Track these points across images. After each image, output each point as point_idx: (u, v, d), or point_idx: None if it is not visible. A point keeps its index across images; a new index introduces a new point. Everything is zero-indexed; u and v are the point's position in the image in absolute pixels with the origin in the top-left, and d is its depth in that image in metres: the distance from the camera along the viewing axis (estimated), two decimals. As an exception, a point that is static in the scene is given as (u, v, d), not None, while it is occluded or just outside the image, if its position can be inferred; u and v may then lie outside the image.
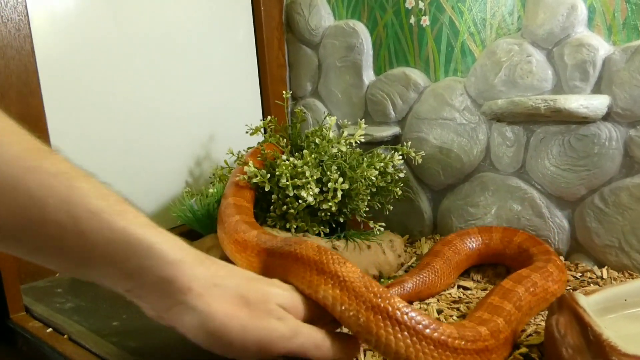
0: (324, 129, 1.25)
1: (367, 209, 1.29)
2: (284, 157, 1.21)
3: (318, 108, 1.75)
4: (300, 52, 1.77)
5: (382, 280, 1.26)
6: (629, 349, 0.72)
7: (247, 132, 1.30)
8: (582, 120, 1.22)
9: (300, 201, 1.16)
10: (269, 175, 1.19)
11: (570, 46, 1.25)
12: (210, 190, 1.25)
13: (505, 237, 1.28)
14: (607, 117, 1.22)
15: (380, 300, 0.71)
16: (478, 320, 0.90)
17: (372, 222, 1.27)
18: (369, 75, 1.64)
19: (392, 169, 1.29)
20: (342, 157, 1.25)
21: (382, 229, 1.27)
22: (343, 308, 0.72)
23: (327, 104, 1.74)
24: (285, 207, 1.18)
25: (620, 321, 0.91)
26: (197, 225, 1.22)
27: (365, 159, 1.27)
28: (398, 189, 1.33)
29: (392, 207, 1.37)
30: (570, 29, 1.25)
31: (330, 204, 1.17)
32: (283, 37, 1.78)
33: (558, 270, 1.10)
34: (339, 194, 1.17)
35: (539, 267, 1.09)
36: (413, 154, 1.33)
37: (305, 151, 1.21)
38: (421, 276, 1.15)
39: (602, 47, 1.22)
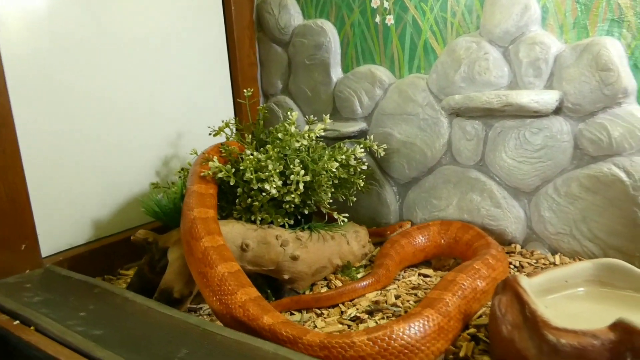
0: (286, 125, 1.29)
1: (332, 200, 1.34)
2: (248, 151, 1.25)
3: (288, 105, 1.80)
4: (271, 50, 1.81)
5: (344, 270, 1.31)
6: (560, 323, 0.78)
7: (210, 134, 1.34)
8: (534, 115, 1.28)
9: (264, 194, 1.21)
10: (233, 170, 1.23)
11: (524, 44, 1.31)
12: (175, 184, 1.28)
13: (442, 230, 1.38)
14: (559, 111, 1.28)
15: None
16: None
17: (336, 213, 1.31)
18: (336, 73, 1.68)
19: (355, 162, 1.34)
20: (305, 151, 1.30)
21: (345, 219, 1.31)
22: None
23: (297, 101, 1.79)
24: (250, 200, 1.22)
25: (561, 301, 0.97)
26: (165, 219, 1.26)
27: (327, 152, 1.31)
28: (361, 180, 1.38)
29: (355, 199, 1.41)
30: (524, 28, 1.31)
31: (293, 195, 1.22)
32: (254, 36, 1.82)
33: (496, 260, 1.16)
34: (301, 186, 1.21)
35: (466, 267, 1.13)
36: (375, 147, 1.37)
37: (268, 146, 1.25)
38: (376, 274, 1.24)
39: (554, 45, 1.28)
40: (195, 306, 1.23)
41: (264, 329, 0.91)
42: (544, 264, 1.30)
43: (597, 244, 1.27)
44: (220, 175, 1.22)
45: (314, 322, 1.10)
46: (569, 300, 0.97)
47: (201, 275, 1.01)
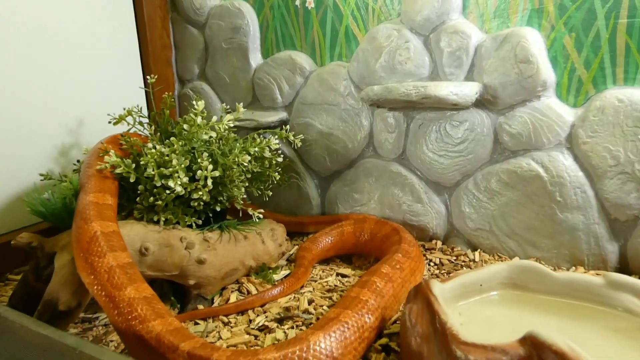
0: (191, 115, 1.18)
1: (245, 195, 1.24)
2: (150, 145, 1.13)
3: (206, 92, 1.68)
4: (186, 32, 1.68)
5: (259, 272, 1.23)
6: (469, 337, 0.73)
7: (110, 122, 1.20)
8: (453, 107, 1.23)
9: (168, 191, 1.10)
10: (134, 165, 1.11)
11: (445, 33, 1.26)
12: (65, 182, 1.15)
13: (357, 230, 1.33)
14: (479, 104, 1.24)
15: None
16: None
17: (250, 209, 1.22)
18: (256, 59, 1.58)
19: (270, 154, 1.25)
20: (216, 143, 1.20)
21: (261, 216, 1.23)
22: None
23: (215, 88, 1.67)
24: (152, 198, 1.11)
25: (475, 306, 0.93)
26: (53, 220, 1.12)
27: (238, 144, 1.22)
28: (277, 174, 1.29)
29: (271, 193, 1.33)
30: (445, 16, 1.26)
31: (201, 193, 1.12)
32: (167, 16, 1.69)
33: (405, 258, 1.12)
34: (210, 182, 1.12)
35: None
36: (292, 138, 1.29)
37: (172, 138, 1.14)
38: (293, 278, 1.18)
39: (475, 35, 1.24)
40: (90, 315, 1.11)
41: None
42: (464, 261, 1.27)
43: (516, 240, 1.25)
44: (119, 170, 1.10)
45: (219, 332, 1.01)
46: (484, 305, 0.93)
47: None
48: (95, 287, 0.90)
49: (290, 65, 1.50)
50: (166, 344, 0.81)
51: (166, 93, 1.23)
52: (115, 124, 1.20)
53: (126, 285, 0.89)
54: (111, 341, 1.02)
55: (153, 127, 1.21)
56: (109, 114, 1.20)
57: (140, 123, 1.21)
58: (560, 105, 1.17)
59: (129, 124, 1.20)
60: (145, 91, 1.65)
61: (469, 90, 1.19)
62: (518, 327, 0.87)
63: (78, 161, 1.24)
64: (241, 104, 1.29)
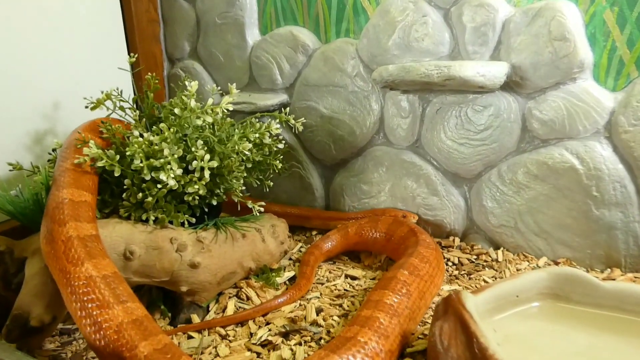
0: (183, 97, 1.04)
1: (244, 187, 1.11)
2: (136, 132, 0.99)
3: (197, 72, 1.53)
4: (176, 5, 1.52)
5: (260, 275, 1.10)
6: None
7: (87, 107, 1.05)
8: (479, 90, 1.10)
9: (159, 186, 0.96)
10: (118, 157, 0.97)
11: (469, 6, 1.12)
12: (40, 169, 1.00)
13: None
14: (506, 86, 1.11)
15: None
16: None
17: (250, 202, 1.09)
18: (253, 35, 1.43)
19: (270, 140, 1.11)
20: (209, 129, 1.06)
21: (262, 209, 1.09)
22: None
23: (207, 67, 1.52)
24: (142, 194, 0.98)
25: (512, 321, 0.81)
26: (23, 219, 0.98)
27: (237, 130, 1.08)
28: (278, 162, 1.16)
29: (272, 184, 1.19)
30: (468, -14, 1.12)
31: (197, 186, 0.98)
32: (154, -13, 1.52)
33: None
34: (207, 173, 0.98)
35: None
36: (292, 121, 1.15)
37: (162, 125, 1.00)
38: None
39: (503, 9, 1.10)
40: (70, 327, 0.98)
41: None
42: (485, 261, 1.15)
43: (544, 239, 1.13)
44: (101, 164, 0.96)
45: (216, 347, 0.89)
46: (521, 319, 0.81)
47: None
48: (72, 303, 0.77)
49: (292, 42, 1.35)
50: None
51: (149, 73, 1.08)
52: (92, 109, 1.05)
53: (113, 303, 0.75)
54: (93, 358, 0.89)
55: (137, 113, 1.06)
56: (85, 98, 1.05)
57: (122, 108, 1.06)
58: (598, 89, 1.04)
59: (108, 108, 1.06)
60: (131, 70, 1.50)
61: (497, 71, 1.05)
62: (563, 347, 0.76)
63: (54, 150, 1.09)
64: (234, 85, 1.13)
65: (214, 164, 1.00)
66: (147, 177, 0.96)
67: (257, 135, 1.09)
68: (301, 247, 1.29)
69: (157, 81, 1.07)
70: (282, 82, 1.39)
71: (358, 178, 1.34)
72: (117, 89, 1.05)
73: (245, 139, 1.07)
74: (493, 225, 1.19)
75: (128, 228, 0.97)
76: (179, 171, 0.98)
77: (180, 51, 1.56)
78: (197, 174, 0.99)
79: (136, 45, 1.48)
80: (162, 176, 0.95)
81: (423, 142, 1.23)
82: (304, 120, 1.19)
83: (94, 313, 0.74)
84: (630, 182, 1.03)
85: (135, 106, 1.08)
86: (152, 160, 0.97)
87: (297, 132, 1.24)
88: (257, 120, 1.14)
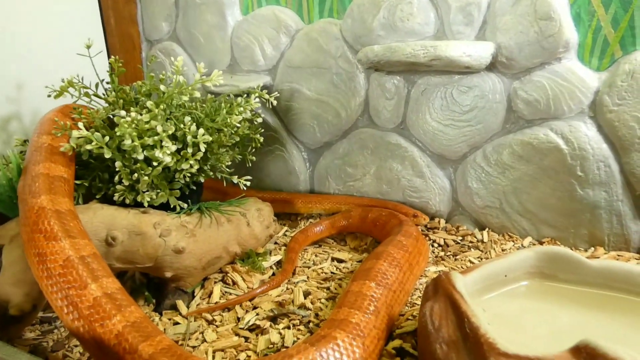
0: (169, 74, 1.01)
1: (229, 162, 1.10)
2: (123, 112, 0.96)
3: (177, 54, 1.49)
4: (153, -16, 1.48)
5: (246, 260, 1.08)
6: (509, 347, 0.61)
7: (49, 95, 1.01)
8: (465, 71, 1.09)
9: (155, 164, 0.93)
10: (108, 138, 0.93)
11: (453, -15, 1.10)
12: (10, 157, 0.97)
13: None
14: (491, 67, 1.10)
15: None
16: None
17: (236, 177, 1.07)
18: (234, 15, 1.40)
19: (250, 114, 1.10)
20: (197, 105, 1.04)
21: (248, 182, 1.07)
22: None
23: (187, 49, 1.49)
24: (136, 175, 0.94)
25: (501, 300, 0.81)
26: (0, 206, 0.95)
27: (224, 105, 1.06)
28: (259, 135, 1.15)
29: (254, 158, 1.17)
30: (453, -35, 1.10)
31: (191, 161, 0.96)
32: (131, -34, 1.48)
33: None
34: (203, 147, 0.96)
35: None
36: (266, 96, 1.13)
37: (150, 103, 0.96)
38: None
39: (487, -13, 1.09)
40: (51, 315, 0.96)
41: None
42: (471, 242, 1.15)
43: (529, 219, 1.14)
44: (89, 147, 0.92)
45: (203, 332, 0.87)
46: (510, 298, 0.81)
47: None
48: (48, 285, 0.74)
49: (274, 22, 1.33)
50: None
51: (113, 57, 1.04)
52: (56, 97, 1.00)
53: (89, 281, 0.73)
54: (75, 346, 0.87)
55: (113, 94, 1.03)
56: (47, 87, 1.00)
57: (87, 94, 1.03)
58: (583, 68, 1.04)
59: (72, 95, 1.02)
60: (107, 52, 1.45)
61: (483, 51, 1.05)
62: (551, 325, 0.77)
63: (26, 141, 1.05)
64: (220, 71, 1.10)
65: (208, 138, 0.98)
66: (140, 157, 0.93)
67: (241, 108, 1.07)
68: (286, 230, 1.28)
69: (120, 64, 1.03)
70: (264, 63, 1.37)
71: (343, 161, 1.33)
72: (78, 76, 1.01)
73: (233, 113, 1.05)
74: (478, 206, 1.19)
75: (110, 213, 0.94)
76: (174, 147, 0.95)
77: (158, 32, 1.52)
78: (190, 149, 0.97)
79: (112, 27, 1.43)
80: (158, 153, 0.93)
81: (408, 123, 1.23)
82: (277, 95, 1.17)
83: (71, 293, 0.72)
84: (614, 161, 1.03)
85: (112, 90, 1.04)
86: (145, 138, 0.94)
87: (271, 106, 1.21)
88: (241, 99, 1.11)
